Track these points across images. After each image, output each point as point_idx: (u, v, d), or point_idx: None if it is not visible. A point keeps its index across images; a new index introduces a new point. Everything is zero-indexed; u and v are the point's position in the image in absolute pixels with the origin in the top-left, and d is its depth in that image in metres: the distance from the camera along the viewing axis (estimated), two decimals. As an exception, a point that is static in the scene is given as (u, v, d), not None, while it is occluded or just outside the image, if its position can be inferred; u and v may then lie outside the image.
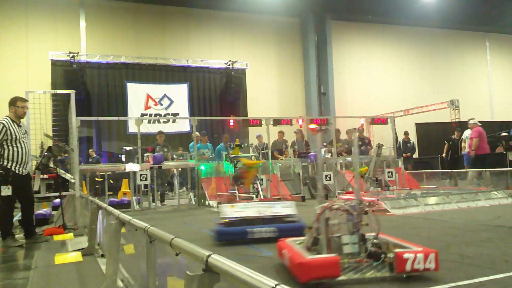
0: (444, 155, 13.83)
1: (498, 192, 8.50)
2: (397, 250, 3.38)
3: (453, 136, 13.79)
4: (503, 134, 11.98)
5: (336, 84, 19.50)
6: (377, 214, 4.45)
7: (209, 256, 1.83)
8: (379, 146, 9.88)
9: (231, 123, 11.79)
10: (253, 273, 1.53)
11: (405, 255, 3.29)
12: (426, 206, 7.66)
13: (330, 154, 11.93)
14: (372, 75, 20.77)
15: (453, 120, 16.59)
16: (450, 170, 11.43)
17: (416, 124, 17.55)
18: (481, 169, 10.12)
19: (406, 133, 14.72)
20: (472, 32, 22.63)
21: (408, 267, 3.27)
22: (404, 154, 13.88)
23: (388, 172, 10.49)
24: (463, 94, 19.91)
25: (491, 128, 15.04)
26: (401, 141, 14.53)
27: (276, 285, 1.41)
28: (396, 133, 13.99)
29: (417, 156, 16.33)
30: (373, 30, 21.18)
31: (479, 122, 12.08)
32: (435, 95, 19.30)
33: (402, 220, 7.00)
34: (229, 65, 18.32)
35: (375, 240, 3.60)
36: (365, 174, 10.11)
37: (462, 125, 13.28)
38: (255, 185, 9.12)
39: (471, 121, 11.52)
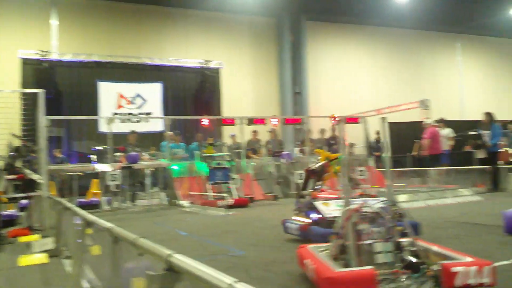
0: (415, 153, 14.07)
1: (465, 189, 8.73)
2: (443, 261, 2.90)
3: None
4: (471, 133, 12.31)
5: (311, 84, 19.64)
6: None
7: (169, 255, 1.82)
8: (351, 145, 10.02)
9: (205, 122, 11.72)
10: (213, 271, 1.53)
11: (454, 268, 2.80)
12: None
13: (303, 153, 12.03)
14: (347, 75, 20.99)
15: (424, 120, 16.89)
16: (419, 168, 11.67)
17: (388, 123, 17.81)
18: (445, 168, 10.38)
19: (377, 133, 14.94)
20: (444, 34, 23.13)
21: (458, 282, 2.77)
22: (375, 153, 14.08)
23: (360, 171, 10.65)
24: (435, 94, 20.32)
25: (461, 127, 15.37)
26: (372, 140, 14.75)
27: (235, 282, 1.41)
28: (368, 133, 14.19)
29: (390, 155, 16.55)
30: (348, 31, 21.41)
31: (448, 121, 12.39)
32: (408, 95, 19.62)
33: (372, 217, 7.10)
34: (204, 64, 18.23)
35: (412, 248, 3.14)
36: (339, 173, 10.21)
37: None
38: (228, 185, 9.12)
39: (426, 121, 11.80)
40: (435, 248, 3.23)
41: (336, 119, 5.41)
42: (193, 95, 18.47)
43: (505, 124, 11.53)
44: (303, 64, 19.42)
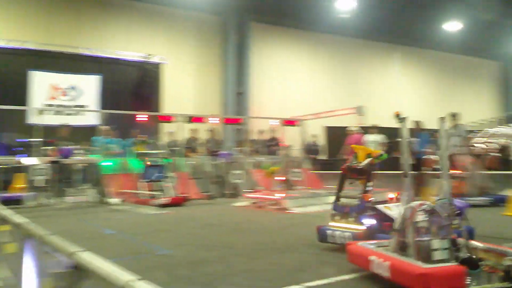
0: (345, 157, 14.57)
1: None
2: None
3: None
4: (398, 140, 12.92)
5: (253, 85, 19.76)
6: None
7: (73, 253, 1.78)
8: (287, 148, 10.22)
9: (142, 118, 11.41)
10: (116, 269, 1.52)
11: None
12: (325, 205, 8.01)
13: (242, 153, 12.11)
14: (289, 78, 21.30)
15: (359, 125, 17.51)
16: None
17: (325, 127, 18.35)
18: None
19: (313, 136, 15.40)
20: (383, 44, 24.05)
21: None
22: (310, 156, 14.43)
23: (295, 172, 10.87)
24: (372, 101, 21.11)
25: (395, 134, 16.15)
26: (308, 143, 15.14)
27: (134, 280, 1.41)
28: (306, 136, 14.55)
29: (326, 158, 17.08)
30: (293, 35, 21.73)
31: (382, 127, 12.94)
32: (346, 100, 20.28)
33: (302, 218, 7.30)
34: (145, 58, 17.81)
35: (466, 245, 3.22)
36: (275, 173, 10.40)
37: (366, 130, 14.00)
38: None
39: (350, 128, 12.34)
40: (482, 244, 3.33)
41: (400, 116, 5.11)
42: (133, 89, 17.99)
43: (432, 132, 12.18)
44: (247, 64, 19.52)
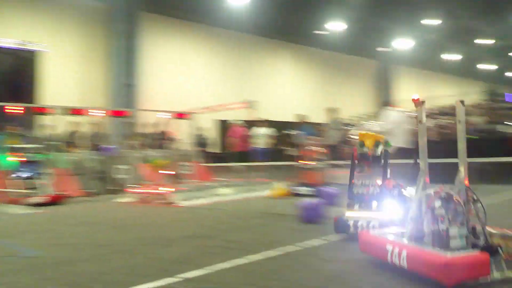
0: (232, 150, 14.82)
1: (278, 183, 9.45)
2: None
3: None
4: (286, 132, 13.57)
5: (144, 77, 19.09)
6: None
7: None
8: (176, 141, 10.08)
9: (15, 110, 10.31)
10: None
11: None
12: (214, 197, 8.07)
13: (129, 147, 11.66)
14: (182, 71, 21.00)
15: (250, 119, 17.87)
16: (241, 164, 12.34)
17: (216, 121, 18.47)
18: (259, 163, 11.19)
19: (203, 129, 15.44)
20: (274, 41, 24.86)
21: None
22: (199, 149, 14.41)
23: (185, 166, 10.75)
24: (263, 95, 21.71)
25: (283, 127, 16.77)
26: (197, 136, 15.11)
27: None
28: (197, 129, 14.49)
29: (218, 151, 17.19)
30: (187, 27, 21.42)
31: (272, 121, 13.41)
32: (239, 95, 20.55)
33: (189, 211, 7.25)
34: (21, 45, 16.27)
35: (484, 232, 3.17)
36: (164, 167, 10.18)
37: (255, 123, 14.33)
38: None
39: (231, 121, 12.71)
40: (498, 231, 3.31)
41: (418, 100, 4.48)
42: (8, 79, 16.35)
43: (314, 125, 12.89)
44: (136, 55, 18.80)
